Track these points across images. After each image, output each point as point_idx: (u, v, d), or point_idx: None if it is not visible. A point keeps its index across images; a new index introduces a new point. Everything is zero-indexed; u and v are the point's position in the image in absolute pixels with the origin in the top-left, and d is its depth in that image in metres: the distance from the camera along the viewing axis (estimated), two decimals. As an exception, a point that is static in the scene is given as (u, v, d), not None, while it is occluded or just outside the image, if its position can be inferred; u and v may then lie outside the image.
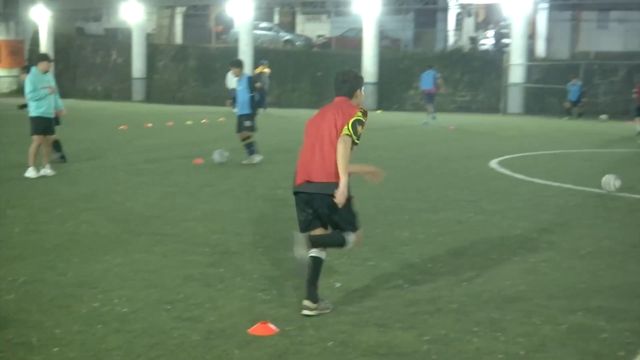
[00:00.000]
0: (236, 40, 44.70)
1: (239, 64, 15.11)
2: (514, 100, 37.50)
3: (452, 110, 38.13)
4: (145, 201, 10.35)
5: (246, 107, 14.67)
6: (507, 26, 41.94)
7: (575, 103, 33.12)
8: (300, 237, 5.77)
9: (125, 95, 46.77)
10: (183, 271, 6.69)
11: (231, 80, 35.22)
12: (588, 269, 6.96)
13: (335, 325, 5.34)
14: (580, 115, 32.51)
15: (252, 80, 14.71)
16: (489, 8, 49.97)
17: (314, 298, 5.63)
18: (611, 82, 37.81)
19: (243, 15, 43.75)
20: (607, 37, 43.54)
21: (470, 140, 21.32)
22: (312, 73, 43.29)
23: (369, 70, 40.78)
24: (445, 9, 47.22)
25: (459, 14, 48.12)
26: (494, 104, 38.22)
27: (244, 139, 14.69)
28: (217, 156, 14.50)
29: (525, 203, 10.55)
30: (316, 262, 5.72)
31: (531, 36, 42.03)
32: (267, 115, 33.00)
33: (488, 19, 50.93)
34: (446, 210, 9.89)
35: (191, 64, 46.34)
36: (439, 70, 36.02)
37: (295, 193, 6.10)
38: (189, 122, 26.13)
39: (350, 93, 6.03)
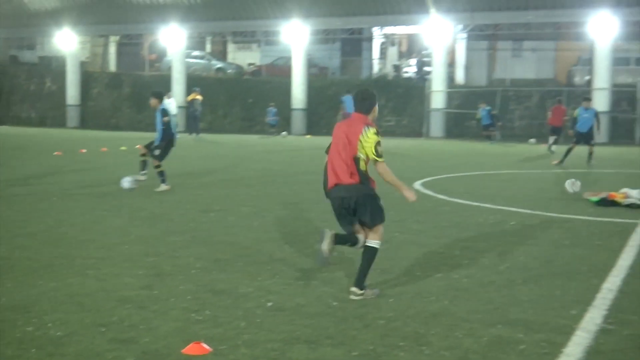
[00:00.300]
0: (169, 68, 44.46)
1: (157, 95, 14.76)
2: (436, 124, 38.13)
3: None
4: (79, 225, 10.15)
5: (158, 137, 14.46)
6: (428, 55, 42.67)
7: (486, 127, 33.77)
8: (329, 234, 6.48)
9: (59, 121, 46.00)
10: (117, 294, 6.58)
11: (167, 105, 35.10)
12: (506, 284, 7.08)
13: (267, 343, 5.31)
14: (489, 138, 33.18)
15: (163, 113, 14.41)
16: (411, 38, 50.80)
17: (360, 285, 6.45)
18: (526, 107, 38.77)
19: (176, 44, 43.57)
20: (521, 65, 44.71)
21: (395, 163, 21.51)
22: (243, 100, 43.27)
23: (298, 97, 41.02)
24: (370, 39, 47.83)
25: (383, 44, 48.83)
26: (417, 128, 38.80)
27: (155, 167, 14.41)
28: (125, 183, 14.06)
29: (448, 222, 10.69)
30: (371, 251, 6.50)
31: (451, 64, 42.88)
32: (200, 140, 32.83)
33: (410, 48, 51.73)
34: (373, 230, 9.95)
35: (125, 91, 45.86)
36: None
37: (331, 194, 6.79)
38: (123, 148, 25.79)
39: (369, 110, 6.79)
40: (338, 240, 6.53)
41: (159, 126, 14.35)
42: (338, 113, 32.45)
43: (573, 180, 14.25)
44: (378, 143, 6.62)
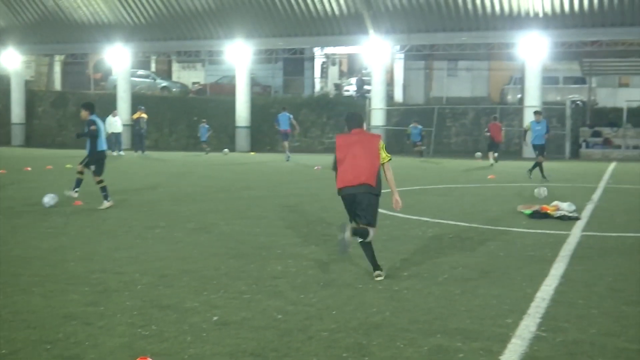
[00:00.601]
0: (115, 87, 43.94)
1: (87, 107, 14.14)
2: (376, 141, 38.33)
3: (320, 151, 38.67)
4: (25, 243, 9.92)
5: (88, 150, 14.17)
6: (368, 74, 43.03)
7: (415, 144, 34.20)
8: (349, 225, 7.63)
9: (4, 140, 44.97)
10: (63, 310, 6.43)
11: (110, 125, 34.63)
12: (445, 295, 7.14)
13: (213, 357, 5.25)
14: (421, 154, 33.58)
15: (89, 124, 14.04)
16: (351, 58, 51.22)
17: (379, 267, 7.87)
18: (462, 125, 39.36)
19: (121, 63, 43.09)
20: (456, 84, 45.47)
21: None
22: (188, 118, 43.01)
23: (242, 115, 40.96)
24: (311, 58, 48.06)
25: (324, 63, 49.11)
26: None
27: (97, 183, 14.12)
28: (47, 200, 13.81)
29: (388, 235, 10.75)
30: (367, 246, 7.92)
31: (389, 83, 43.32)
32: (146, 158, 32.47)
33: (351, 67, 52.14)
34: (316, 245, 9.95)
35: (70, 110, 45.12)
36: (307, 115, 36.51)
37: (346, 193, 8.07)
38: (68, 166, 25.30)
39: (362, 125, 8.28)
40: (354, 232, 7.65)
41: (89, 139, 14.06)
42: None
43: (539, 188, 16.19)
44: (384, 147, 8.17)
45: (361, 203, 7.87)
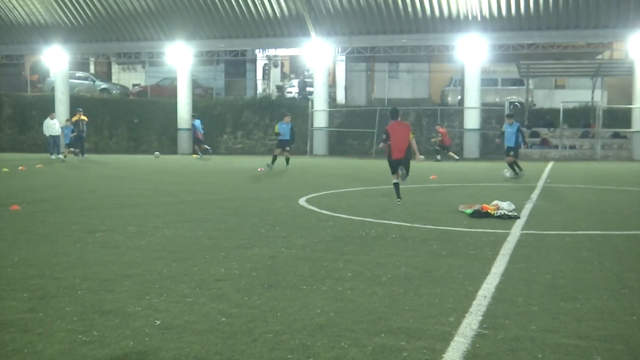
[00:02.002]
0: (52, 89, 43.14)
1: None
2: (319, 143, 38.54)
3: (262, 153, 38.60)
4: (-41, 249, 9.64)
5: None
6: (310, 76, 43.11)
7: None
8: (400, 172, 15.23)
9: (-63, 144, 43.79)
10: (0, 318, 6.27)
11: (48, 127, 33.96)
12: (389, 294, 7.18)
13: (156, 362, 5.18)
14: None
15: None
16: (292, 59, 51.24)
17: (400, 197, 14.98)
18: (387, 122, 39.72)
19: (58, 64, 42.33)
20: (398, 86, 45.90)
21: (280, 180, 21.60)
22: (129, 120, 42.49)
23: (184, 117, 40.67)
24: (253, 60, 47.93)
25: (265, 65, 49.02)
26: (301, 146, 39.08)
27: None
28: None
29: (331, 236, 10.77)
30: (397, 185, 15.29)
31: (332, 85, 43.47)
32: (87, 161, 31.95)
33: (292, 69, 52.16)
34: (260, 246, 9.91)
35: (7, 112, 44.16)
36: (249, 117, 36.42)
37: (395, 160, 15.35)
38: (5, 170, 24.74)
39: (399, 117, 15.80)
40: (396, 186, 15.45)
41: None
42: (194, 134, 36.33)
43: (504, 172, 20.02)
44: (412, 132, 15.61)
45: (403, 164, 15.40)
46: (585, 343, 5.61)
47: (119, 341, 5.64)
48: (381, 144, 15.71)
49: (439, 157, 32.11)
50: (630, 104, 35.37)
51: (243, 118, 41.47)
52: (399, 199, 14.91)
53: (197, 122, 36.43)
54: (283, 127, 25.92)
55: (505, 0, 34.51)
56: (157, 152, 36.30)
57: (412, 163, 15.89)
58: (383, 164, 29.34)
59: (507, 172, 18.35)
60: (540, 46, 35.97)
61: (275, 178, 22.38)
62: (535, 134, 37.48)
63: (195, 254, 9.33)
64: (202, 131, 36.53)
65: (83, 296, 7.10)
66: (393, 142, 15.09)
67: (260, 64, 48.96)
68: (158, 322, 6.19)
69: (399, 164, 15.20)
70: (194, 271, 8.24)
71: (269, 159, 25.60)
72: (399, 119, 15.57)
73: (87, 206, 14.60)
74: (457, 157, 32.50)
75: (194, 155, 37.17)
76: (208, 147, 36.74)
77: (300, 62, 49.42)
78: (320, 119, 38.50)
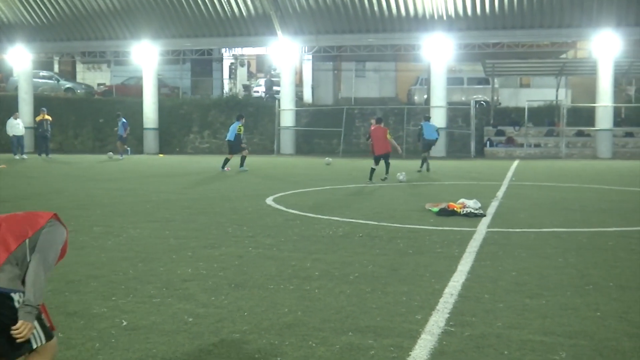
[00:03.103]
0: (16, 88, 42.58)
1: None
2: (286, 142, 38.50)
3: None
4: None
5: None
6: (276, 75, 43.05)
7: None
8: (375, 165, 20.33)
9: None
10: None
11: (12, 127, 33.50)
12: (356, 293, 7.19)
13: (122, 363, 5.14)
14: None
15: None
16: (259, 58, 51.16)
17: (387, 174, 20.68)
18: (370, 124, 39.76)
19: (22, 64, 41.79)
20: (365, 85, 46.01)
21: (247, 180, 21.54)
22: (94, 119, 42.11)
23: (150, 117, 40.42)
24: (220, 60, 47.74)
25: (232, 64, 48.84)
26: (268, 145, 39.07)
27: None
28: None
29: (299, 236, 10.77)
30: (372, 170, 20.22)
31: (299, 84, 43.46)
32: (50, 161, 31.58)
33: (259, 68, 52.05)
34: (227, 246, 9.87)
35: (-31, 112, 43.44)
36: (215, 116, 36.44)
37: (377, 156, 20.22)
38: (-33, 170, 24.37)
39: (381, 123, 21.10)
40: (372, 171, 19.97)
41: None
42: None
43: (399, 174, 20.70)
44: (389, 132, 20.74)
45: (384, 158, 20.20)
46: (550, 339, 5.68)
47: (85, 342, 5.59)
48: (368, 141, 21.52)
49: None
50: (594, 103, 35.83)
51: (210, 117, 41.29)
52: (370, 180, 19.80)
53: (124, 121, 34.09)
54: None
55: (471, 0, 34.77)
56: (110, 153, 35.32)
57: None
58: (350, 163, 29.39)
59: (402, 174, 20.93)
60: (506, 45, 36.31)
61: (243, 177, 22.32)
62: (500, 133, 37.82)
63: (162, 254, 9.27)
64: (123, 132, 34.11)
65: (48, 298, 6.99)
66: (374, 141, 20.50)
67: (226, 63, 48.78)
68: (124, 323, 6.14)
69: (380, 158, 20.30)
70: (161, 271, 8.18)
71: (236, 158, 25.49)
72: (381, 124, 21.06)
73: (52, 207, 14.42)
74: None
75: (160, 155, 36.94)
76: (128, 148, 35.68)
77: (267, 61, 49.38)
78: (287, 118, 38.46)
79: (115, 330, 5.89)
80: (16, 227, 4.05)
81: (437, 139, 26.08)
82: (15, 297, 3.85)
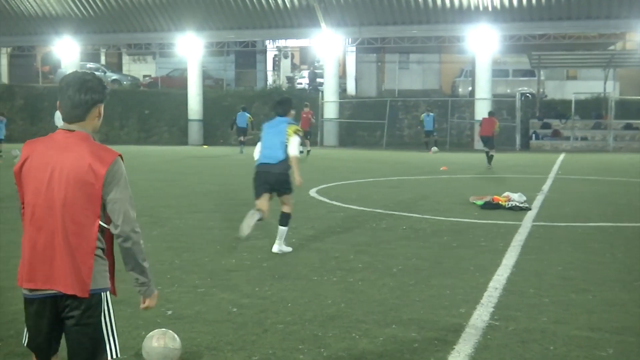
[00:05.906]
0: (63, 80, 43.17)
1: None
2: (329, 133, 38.48)
3: (273, 144, 38.47)
4: (-28, 239, 9.69)
5: None
6: (320, 67, 43.02)
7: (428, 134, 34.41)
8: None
9: (-51, 134, 43.91)
10: (13, 308, 6.30)
11: (59, 119, 34.05)
12: (399, 285, 7.18)
13: (167, 352, 5.19)
14: (435, 143, 33.76)
15: None
16: (303, 50, 51.16)
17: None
18: (413, 117, 39.61)
19: (69, 55, 42.41)
20: (408, 77, 45.74)
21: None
22: (139, 111, 42.53)
23: (194, 108, 40.68)
24: (263, 51, 47.86)
25: (276, 56, 48.94)
26: (312, 137, 39.05)
27: None
28: None
29: (342, 227, 10.78)
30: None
31: (342, 76, 43.37)
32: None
33: (303, 60, 52.06)
34: (270, 238, 9.92)
35: (18, 103, 44.25)
36: (259, 108, 36.53)
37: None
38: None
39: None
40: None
41: None
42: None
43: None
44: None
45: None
46: (597, 335, 5.61)
47: (131, 330, 5.67)
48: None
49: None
50: (643, 95, 35.15)
51: (253, 109, 41.45)
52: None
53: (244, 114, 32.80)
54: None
55: (517, -9, 34.35)
56: (16, 150, 32.55)
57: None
58: (393, 155, 29.30)
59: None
60: (552, 37, 35.79)
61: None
62: (546, 125, 37.32)
63: (206, 244, 9.36)
64: (244, 124, 32.69)
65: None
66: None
67: (270, 55, 48.89)
68: (169, 312, 6.22)
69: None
70: (205, 262, 8.26)
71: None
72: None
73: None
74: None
75: (204, 146, 37.20)
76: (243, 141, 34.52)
77: (310, 53, 49.35)
78: (330, 110, 38.44)
79: (160, 319, 5.97)
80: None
81: (432, 130, 31.24)
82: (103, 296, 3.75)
